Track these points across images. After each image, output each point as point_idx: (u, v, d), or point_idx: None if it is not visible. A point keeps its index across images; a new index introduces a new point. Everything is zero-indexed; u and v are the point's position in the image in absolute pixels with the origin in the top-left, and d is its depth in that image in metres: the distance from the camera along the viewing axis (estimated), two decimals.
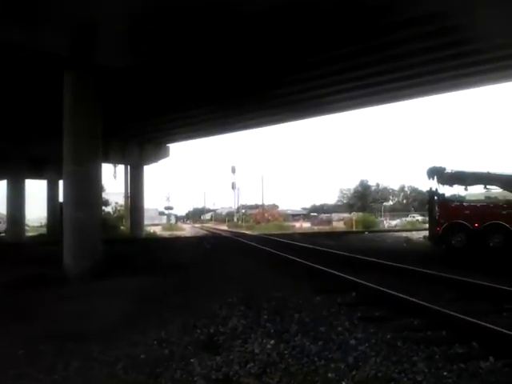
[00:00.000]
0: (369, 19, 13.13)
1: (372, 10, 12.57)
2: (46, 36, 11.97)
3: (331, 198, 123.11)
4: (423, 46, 15.20)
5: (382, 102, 25.10)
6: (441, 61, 16.68)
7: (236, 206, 73.50)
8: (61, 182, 25.88)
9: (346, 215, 59.43)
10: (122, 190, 38.41)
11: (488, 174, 18.33)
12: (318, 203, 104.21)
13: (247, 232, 40.23)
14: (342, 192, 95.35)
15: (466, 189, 18.87)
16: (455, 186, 18.73)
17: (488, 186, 18.74)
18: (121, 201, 39.90)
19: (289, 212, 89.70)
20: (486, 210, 18.05)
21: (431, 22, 13.37)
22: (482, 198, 20.29)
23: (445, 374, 4.35)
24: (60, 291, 9.41)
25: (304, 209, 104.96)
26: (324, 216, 64.41)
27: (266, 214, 63.12)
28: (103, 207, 29.49)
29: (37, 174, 34.25)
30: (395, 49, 15.59)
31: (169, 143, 34.11)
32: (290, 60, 16.50)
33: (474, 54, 15.94)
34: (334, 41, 14.81)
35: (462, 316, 5.87)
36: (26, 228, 37.82)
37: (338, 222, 53.14)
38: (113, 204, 38.58)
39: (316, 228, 48.39)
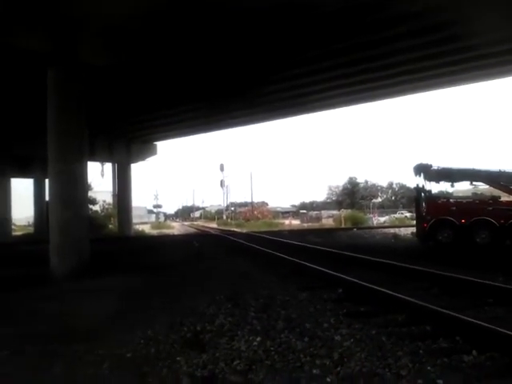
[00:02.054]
0: (357, 16, 13.16)
1: (360, 6, 12.60)
2: (29, 33, 11.88)
3: (320, 195, 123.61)
4: (411, 43, 15.32)
5: (371, 100, 25.24)
6: (429, 58, 16.82)
7: (225, 204, 73.54)
8: (47, 181, 25.74)
9: (335, 212, 59.64)
10: (110, 189, 38.24)
11: (474, 170, 18.50)
12: (307, 200, 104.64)
13: (236, 230, 40.22)
14: (330, 189, 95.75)
15: (452, 185, 19.05)
16: (442, 183, 18.90)
17: (474, 183, 18.92)
18: (109, 199, 39.70)
19: (278, 209, 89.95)
20: (472, 206, 18.22)
21: (418, 19, 13.46)
22: (469, 194, 20.47)
23: (428, 368, 4.39)
24: (45, 291, 9.34)
25: (293, 206, 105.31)
26: (313, 213, 64.58)
27: (255, 212, 63.17)
28: (91, 206, 29.42)
29: (23, 173, 33.94)
30: (382, 47, 15.68)
31: (156, 141, 33.98)
32: (278, 58, 16.53)
33: (464, 51, 16.10)
34: (321, 39, 14.85)
35: (446, 311, 5.92)
36: (13, 227, 37.50)
37: (327, 219, 53.36)
38: (100, 202, 38.37)
39: (305, 225, 48.54)
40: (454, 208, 18.23)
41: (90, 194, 20.06)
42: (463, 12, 12.55)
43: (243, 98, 21.82)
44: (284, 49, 15.55)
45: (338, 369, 4.45)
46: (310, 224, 49.55)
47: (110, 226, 36.37)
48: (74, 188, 12.29)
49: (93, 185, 31.58)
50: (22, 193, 37.17)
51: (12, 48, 12.64)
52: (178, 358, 4.90)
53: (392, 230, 28.91)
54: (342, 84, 20.28)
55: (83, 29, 12.09)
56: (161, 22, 12.43)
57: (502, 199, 18.33)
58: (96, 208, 36.54)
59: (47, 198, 22.43)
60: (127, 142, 31.95)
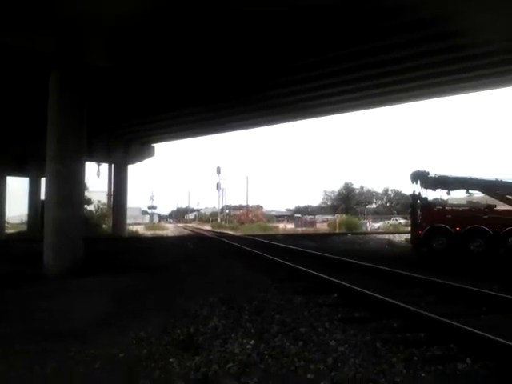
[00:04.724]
0: (362, 24, 13.18)
1: (365, 14, 12.62)
2: (32, 34, 11.87)
3: (315, 200, 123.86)
4: (411, 52, 15.39)
5: (369, 107, 25.32)
6: (430, 67, 16.89)
7: (220, 207, 73.45)
8: (43, 180, 25.64)
9: (329, 217, 59.66)
10: (105, 189, 38.17)
11: (470, 178, 18.57)
12: (302, 205, 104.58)
13: (231, 232, 40.17)
14: (326, 194, 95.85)
15: (448, 193, 19.09)
16: (438, 191, 18.95)
17: (470, 191, 18.98)
18: (103, 199, 39.59)
19: (273, 213, 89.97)
20: (467, 214, 18.27)
21: (420, 28, 13.49)
22: (464, 202, 20.53)
23: (423, 375, 4.38)
24: (39, 289, 9.29)
25: (288, 210, 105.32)
26: (308, 217, 64.55)
27: (250, 215, 63.11)
28: (85, 206, 29.28)
29: (18, 172, 33.80)
30: (382, 55, 15.74)
31: (154, 143, 33.95)
32: (279, 63, 16.56)
33: (463, 61, 16.18)
34: (323, 45, 14.88)
35: (441, 318, 5.92)
36: (6, 225, 37.33)
37: (322, 224, 53.35)
38: (95, 202, 38.24)
39: (300, 229, 48.47)
40: (450, 216, 18.28)
41: (85, 194, 19.99)
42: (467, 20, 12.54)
43: (242, 103, 21.87)
44: (285, 54, 15.57)
45: (333, 374, 4.44)
46: (304, 228, 49.47)
47: (104, 226, 36.25)
48: (70, 188, 12.25)
49: (88, 184, 31.39)
50: (17, 191, 37.05)
51: (13, 48, 12.62)
52: (171, 360, 4.87)
53: (386, 237, 28.94)
54: (343, 90, 20.32)
55: (85, 30, 12.10)
56: (161, 23, 12.44)
57: (497, 208, 18.40)
58: (91, 208, 36.39)
59: (42, 197, 22.39)
60: (125, 142, 31.89)
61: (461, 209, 19.11)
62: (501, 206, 18.34)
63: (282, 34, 13.72)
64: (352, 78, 18.37)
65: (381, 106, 25.66)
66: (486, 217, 17.69)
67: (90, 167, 35.06)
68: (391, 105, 25.20)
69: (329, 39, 14.29)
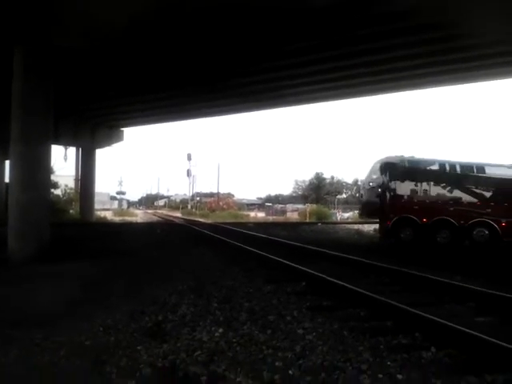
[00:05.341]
0: (341, 12, 13.12)
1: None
2: None
3: (286, 189, 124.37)
4: (391, 43, 15.53)
5: (342, 97, 25.49)
6: (411, 59, 17.10)
7: (191, 194, 73.07)
8: (7, 163, 24.94)
9: (300, 206, 60.06)
10: (73, 173, 37.36)
11: (438, 171, 18.88)
12: (273, 194, 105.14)
13: (201, 220, 40.02)
14: (297, 183, 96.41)
15: (416, 185, 19.37)
16: (406, 182, 19.20)
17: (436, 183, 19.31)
18: (71, 184, 38.79)
19: (244, 201, 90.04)
20: (434, 205, 18.61)
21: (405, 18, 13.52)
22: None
23: (388, 363, 4.44)
24: (2, 275, 9.06)
25: (259, 199, 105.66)
26: (279, 206, 64.84)
27: (220, 203, 63.00)
28: (52, 190, 28.61)
29: None
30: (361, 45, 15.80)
31: (123, 127, 33.38)
32: (255, 49, 16.43)
33: (450, 52, 16.40)
34: (301, 33, 14.78)
35: (406, 307, 6.03)
36: None
37: (293, 213, 53.63)
38: (62, 187, 37.41)
39: (271, 218, 48.68)
40: (417, 207, 18.59)
41: (51, 177, 19.52)
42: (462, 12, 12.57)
43: (215, 89, 21.59)
44: (261, 41, 15.44)
45: (300, 362, 4.47)
46: (275, 217, 49.72)
47: (72, 211, 35.57)
48: (36, 171, 11.95)
49: (55, 168, 30.64)
50: None
51: None
52: (139, 348, 4.82)
53: (356, 227, 29.31)
54: (318, 80, 20.35)
55: (55, 9, 11.67)
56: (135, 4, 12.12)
57: (463, 200, 18.76)
58: (57, 192, 35.57)
59: (7, 180, 21.78)
60: (93, 126, 31.25)
61: (428, 200, 19.44)
62: (467, 199, 18.71)
63: (261, 20, 13.55)
64: (329, 67, 18.43)
65: (352, 98, 25.91)
66: (451, 209, 18.08)
67: (57, 151, 34.23)
68: (374, 95, 25.49)
69: (308, 27, 14.19)
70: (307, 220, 40.37)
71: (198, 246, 15.08)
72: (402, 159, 19.14)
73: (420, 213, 18.24)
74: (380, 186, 19.30)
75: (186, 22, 13.55)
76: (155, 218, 44.47)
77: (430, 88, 24.13)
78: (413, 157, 19.49)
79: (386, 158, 19.40)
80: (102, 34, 13.57)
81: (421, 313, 5.71)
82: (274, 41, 15.39)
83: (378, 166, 19.31)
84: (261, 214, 58.10)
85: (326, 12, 12.90)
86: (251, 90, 22.10)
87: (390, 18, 13.41)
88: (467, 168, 18.95)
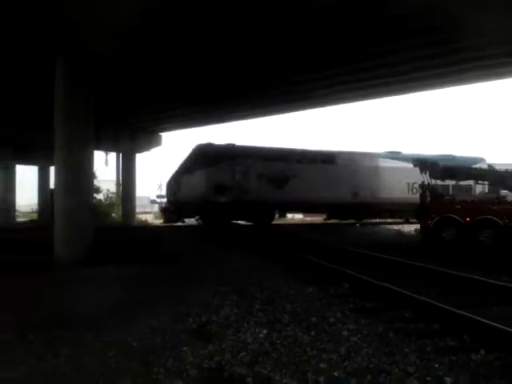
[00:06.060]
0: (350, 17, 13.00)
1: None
2: (37, 20, 11.81)
3: None
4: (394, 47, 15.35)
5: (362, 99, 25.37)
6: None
7: None
8: (52, 169, 25.71)
9: None
10: (114, 178, 38.12)
11: (479, 169, 18.41)
12: None
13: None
14: None
15: (457, 183, 18.94)
16: (447, 181, 18.79)
17: (479, 182, 18.83)
18: (112, 188, 39.59)
19: None
20: (477, 205, 18.11)
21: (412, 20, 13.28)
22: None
23: (436, 366, 4.36)
24: (49, 278, 9.33)
25: None
26: None
27: None
28: (94, 194, 29.29)
29: (27, 160, 33.87)
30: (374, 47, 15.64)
31: (161, 132, 33.88)
32: (281, 65, 16.82)
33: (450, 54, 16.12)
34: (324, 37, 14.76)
35: (453, 309, 5.89)
36: (17, 214, 37.54)
37: None
38: (104, 191, 38.27)
39: (308, 219, 48.12)
40: (459, 206, 18.12)
41: (94, 182, 20.04)
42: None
43: (245, 100, 22.17)
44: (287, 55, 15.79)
45: (345, 363, 4.43)
46: (311, 218, 49.18)
47: (113, 214, 36.31)
48: (79, 176, 12.25)
49: (97, 173, 31.36)
50: (27, 179, 37.18)
51: (19, 34, 12.53)
52: (184, 348, 4.89)
53: (395, 227, 28.75)
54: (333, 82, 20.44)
55: (90, 18, 11.96)
56: (166, 14, 12.28)
57: (508, 198, 18.20)
58: (100, 197, 36.38)
59: (52, 186, 22.46)
60: (132, 131, 31.82)
61: (470, 200, 18.94)
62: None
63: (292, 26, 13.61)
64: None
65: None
66: (496, 208, 17.54)
67: (99, 156, 34.96)
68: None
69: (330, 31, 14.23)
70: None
71: (241, 249, 15.10)
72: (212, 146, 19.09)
73: (463, 212, 17.77)
74: (420, 186, 18.95)
75: (219, 32, 13.71)
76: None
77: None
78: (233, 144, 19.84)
79: (198, 145, 19.37)
80: (134, 41, 13.77)
81: (469, 314, 5.58)
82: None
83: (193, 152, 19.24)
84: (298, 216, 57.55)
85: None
86: (280, 99, 22.91)
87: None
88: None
